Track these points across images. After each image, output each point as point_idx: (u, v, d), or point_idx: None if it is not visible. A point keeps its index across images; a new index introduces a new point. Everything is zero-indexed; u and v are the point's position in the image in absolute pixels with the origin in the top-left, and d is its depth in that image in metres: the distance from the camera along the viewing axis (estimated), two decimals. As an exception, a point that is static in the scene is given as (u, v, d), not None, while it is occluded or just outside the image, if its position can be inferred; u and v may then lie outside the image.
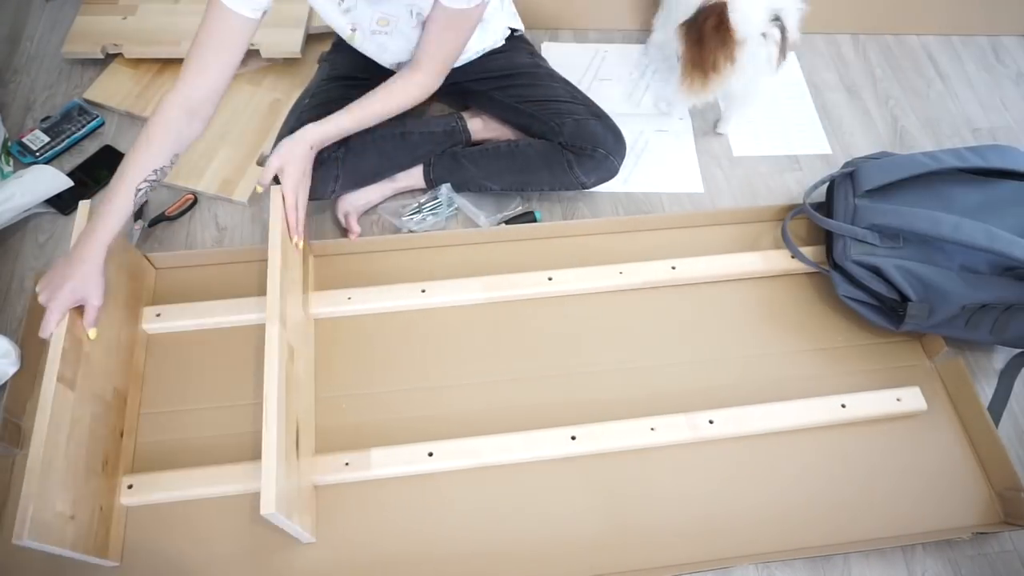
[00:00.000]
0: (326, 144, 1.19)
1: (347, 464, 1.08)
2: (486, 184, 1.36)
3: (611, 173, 1.33)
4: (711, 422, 1.13)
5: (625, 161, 1.49)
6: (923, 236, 1.17)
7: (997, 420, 1.17)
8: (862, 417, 1.15)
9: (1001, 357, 1.27)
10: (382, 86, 1.20)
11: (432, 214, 1.36)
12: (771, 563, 1.08)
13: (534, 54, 1.41)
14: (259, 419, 1.01)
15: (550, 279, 1.27)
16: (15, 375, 1.13)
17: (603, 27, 1.72)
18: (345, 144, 1.25)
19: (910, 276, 1.16)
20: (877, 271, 1.19)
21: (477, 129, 1.41)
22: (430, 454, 1.09)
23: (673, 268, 1.29)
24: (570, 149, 1.30)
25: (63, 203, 1.35)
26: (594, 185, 1.35)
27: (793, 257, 1.31)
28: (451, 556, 1.05)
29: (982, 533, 1.10)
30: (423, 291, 1.25)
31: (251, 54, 1.50)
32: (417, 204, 1.37)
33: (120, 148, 1.44)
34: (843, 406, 1.15)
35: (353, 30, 1.24)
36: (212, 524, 1.05)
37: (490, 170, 1.34)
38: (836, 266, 1.23)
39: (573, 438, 1.11)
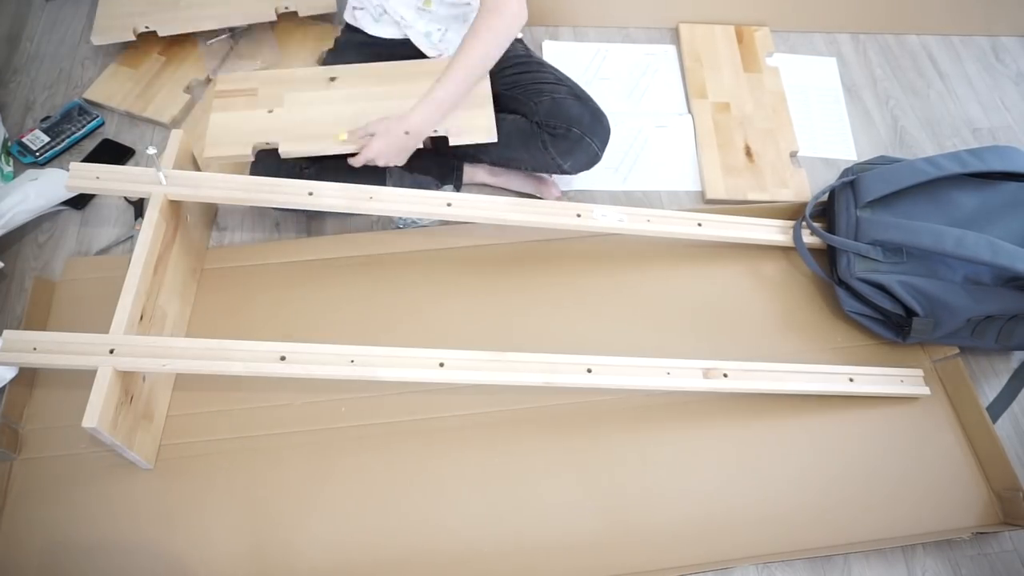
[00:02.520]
0: (426, 131, 1.19)
1: (352, 361, 1.03)
2: (478, 155, 1.34)
3: (590, 157, 1.28)
4: (725, 375, 1.11)
5: (624, 159, 1.49)
6: (926, 251, 1.17)
7: (996, 419, 1.17)
8: (867, 392, 1.16)
9: (1002, 358, 1.27)
10: (465, 38, 1.18)
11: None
12: (771, 563, 1.08)
13: (527, 49, 1.40)
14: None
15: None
16: (13, 380, 1.12)
17: (603, 25, 1.72)
18: (319, 164, 1.25)
19: (915, 292, 1.17)
20: (882, 288, 1.19)
21: (479, 179, 1.41)
22: (441, 364, 1.04)
23: (699, 224, 1.27)
24: (545, 128, 1.26)
25: (76, 199, 1.35)
26: (574, 171, 1.31)
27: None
28: (449, 556, 1.05)
29: (982, 533, 1.10)
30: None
31: (260, 43, 1.49)
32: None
33: (119, 142, 1.44)
34: (851, 379, 1.16)
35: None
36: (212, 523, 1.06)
37: None
38: (841, 282, 1.24)
39: (589, 371, 1.06)
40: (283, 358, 1.01)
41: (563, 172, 1.32)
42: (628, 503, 1.09)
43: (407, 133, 1.17)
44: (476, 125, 1.23)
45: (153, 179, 1.13)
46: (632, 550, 1.06)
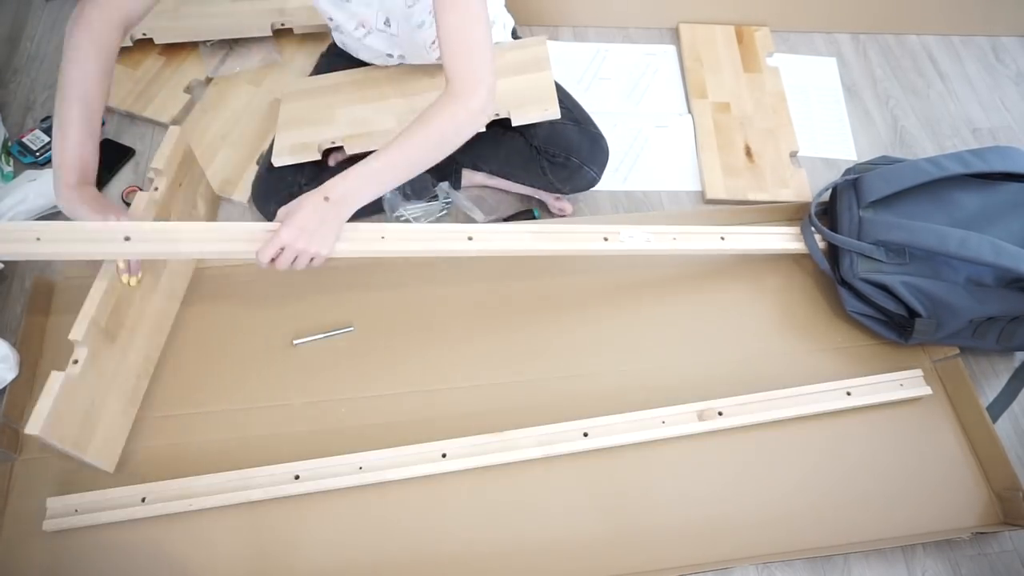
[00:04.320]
0: (351, 202, 1.00)
1: (361, 468, 1.07)
2: (479, 164, 1.34)
3: (588, 182, 1.29)
4: (720, 414, 1.12)
5: (624, 159, 1.49)
6: (930, 252, 1.17)
7: (996, 419, 1.17)
8: (867, 403, 1.16)
9: (1002, 358, 1.27)
10: (424, 115, 1.00)
11: (423, 210, 1.36)
12: (771, 564, 1.08)
13: None
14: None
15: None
16: (13, 381, 1.12)
17: (603, 25, 1.72)
18: (317, 182, 1.24)
19: (918, 292, 1.17)
20: (885, 288, 1.19)
21: (478, 180, 1.40)
22: (443, 455, 1.08)
23: (722, 239, 1.24)
24: (544, 155, 1.26)
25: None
26: (572, 192, 1.33)
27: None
28: (449, 557, 1.05)
29: (981, 533, 1.10)
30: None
31: (259, 43, 1.50)
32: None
33: (119, 142, 1.44)
34: (848, 393, 1.16)
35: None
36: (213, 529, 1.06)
37: (480, 150, 1.30)
38: (844, 282, 1.24)
39: (585, 435, 1.10)
40: (297, 477, 1.06)
41: (560, 193, 1.33)
42: (628, 503, 1.09)
43: (326, 199, 0.98)
44: (536, 97, 1.20)
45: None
46: (632, 550, 1.06)
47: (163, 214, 1.13)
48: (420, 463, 1.07)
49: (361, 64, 1.33)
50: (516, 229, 1.16)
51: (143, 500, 1.03)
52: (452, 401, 1.17)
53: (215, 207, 1.37)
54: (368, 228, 1.10)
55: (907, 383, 1.19)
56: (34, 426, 0.92)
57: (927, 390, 1.19)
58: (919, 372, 1.20)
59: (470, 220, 1.36)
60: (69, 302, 1.24)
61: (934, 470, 1.14)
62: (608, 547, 1.06)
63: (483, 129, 1.21)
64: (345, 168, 1.29)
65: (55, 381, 0.95)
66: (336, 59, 1.37)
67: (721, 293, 1.30)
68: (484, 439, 1.09)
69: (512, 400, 1.17)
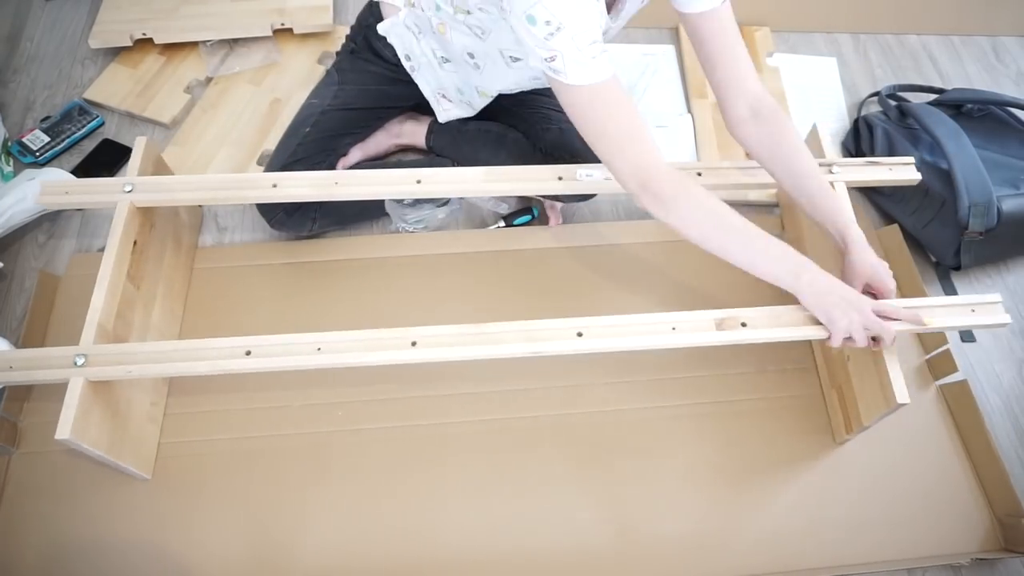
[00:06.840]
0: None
1: (319, 349, 0.97)
2: (475, 165, 1.35)
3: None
4: (744, 324, 0.98)
5: (625, 161, 1.49)
6: None
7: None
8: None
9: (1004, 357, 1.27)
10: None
11: (426, 208, 1.36)
12: (769, 583, 1.07)
13: None
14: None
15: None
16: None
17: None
18: None
19: None
20: None
21: None
22: (413, 343, 0.97)
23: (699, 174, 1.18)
24: (549, 159, 1.25)
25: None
26: (571, 201, 1.33)
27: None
28: (445, 564, 1.04)
29: (982, 559, 1.08)
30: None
31: (259, 43, 1.50)
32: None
33: (119, 142, 1.44)
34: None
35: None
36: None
37: (478, 155, 1.31)
38: None
39: (580, 334, 0.97)
40: (248, 352, 0.96)
41: (560, 200, 1.33)
42: (626, 517, 1.09)
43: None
44: None
45: (119, 188, 1.10)
46: (629, 564, 1.06)
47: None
48: (385, 349, 0.96)
49: (379, 85, 1.29)
50: (465, 171, 1.15)
51: (79, 363, 0.94)
52: (451, 408, 1.16)
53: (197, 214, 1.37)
54: (324, 175, 1.13)
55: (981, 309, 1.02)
56: (63, 430, 0.90)
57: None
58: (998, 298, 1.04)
59: (479, 221, 1.37)
60: (73, 297, 1.24)
61: (936, 493, 1.12)
62: (604, 560, 1.05)
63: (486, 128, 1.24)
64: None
65: (76, 382, 0.93)
66: (351, 77, 1.30)
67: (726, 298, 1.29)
68: (460, 328, 0.98)
69: (512, 409, 1.16)
